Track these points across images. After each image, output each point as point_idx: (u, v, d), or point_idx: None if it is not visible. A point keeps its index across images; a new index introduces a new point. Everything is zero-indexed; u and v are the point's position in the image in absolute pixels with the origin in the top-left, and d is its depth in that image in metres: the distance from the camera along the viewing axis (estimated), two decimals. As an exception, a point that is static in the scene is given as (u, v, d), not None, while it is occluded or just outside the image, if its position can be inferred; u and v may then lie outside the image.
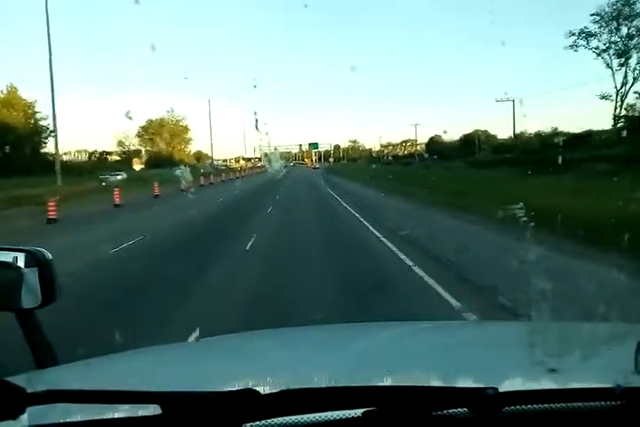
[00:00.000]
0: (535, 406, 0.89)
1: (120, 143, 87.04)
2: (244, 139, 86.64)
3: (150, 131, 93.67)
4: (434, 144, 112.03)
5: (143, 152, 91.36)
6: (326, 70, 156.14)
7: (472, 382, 1.09)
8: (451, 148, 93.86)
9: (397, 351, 1.48)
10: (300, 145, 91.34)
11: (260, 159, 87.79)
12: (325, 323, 3.64)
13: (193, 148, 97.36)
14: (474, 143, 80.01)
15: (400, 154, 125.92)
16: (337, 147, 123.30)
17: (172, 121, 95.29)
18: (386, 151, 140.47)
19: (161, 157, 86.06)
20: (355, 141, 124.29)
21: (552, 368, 1.04)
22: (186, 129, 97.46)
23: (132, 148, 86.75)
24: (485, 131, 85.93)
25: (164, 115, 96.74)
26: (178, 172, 40.38)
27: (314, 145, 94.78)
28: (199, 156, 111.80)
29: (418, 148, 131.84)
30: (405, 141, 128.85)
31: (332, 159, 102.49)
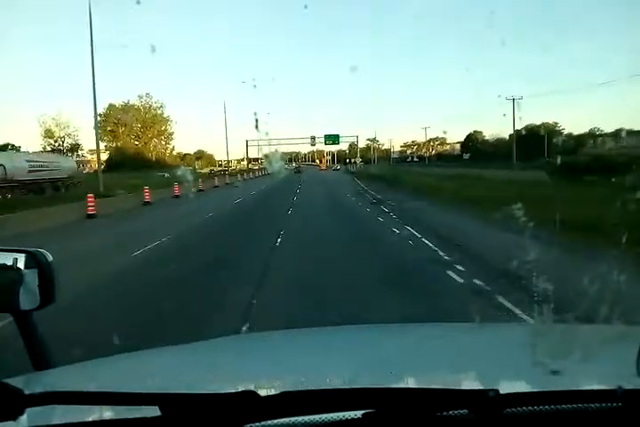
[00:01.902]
0: (536, 407, 0.94)
1: (48, 133, 62.90)
2: (226, 136, 64.64)
3: (111, 120, 69.77)
4: (471, 142, 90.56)
5: (103, 148, 68.05)
6: (337, 64, 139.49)
7: (473, 384, 1.16)
8: (496, 146, 77.97)
9: (398, 353, 1.55)
10: (313, 138, 68.84)
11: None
12: None
13: (187, 147, 75.01)
14: (537, 140, 56.54)
15: (426, 155, 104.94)
16: (353, 145, 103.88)
17: (143, 107, 71.63)
18: (409, 151, 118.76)
19: (127, 156, 62.70)
20: (374, 140, 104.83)
21: (553, 370, 1.10)
22: (163, 119, 73.64)
23: (70, 140, 63.04)
24: (555, 123, 63.60)
25: (134, 100, 72.29)
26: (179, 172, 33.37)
27: (332, 138, 71.41)
28: (201, 155, 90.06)
29: (456, 146, 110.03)
30: (433, 140, 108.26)
31: (359, 159, 78.91)
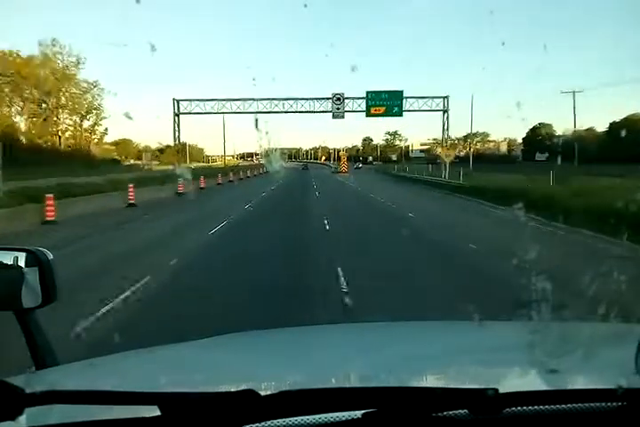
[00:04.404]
0: (536, 407, 1.02)
1: None
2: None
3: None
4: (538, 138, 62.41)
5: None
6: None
7: (472, 383, 1.26)
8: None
9: (397, 352, 1.63)
10: (339, 99, 39.81)
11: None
12: None
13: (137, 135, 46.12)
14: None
15: (462, 154, 75.14)
16: (368, 140, 76.19)
17: (48, 60, 41.79)
18: (439, 150, 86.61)
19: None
20: (395, 134, 78.22)
21: (552, 369, 1.20)
22: (74, 81, 43.99)
23: None
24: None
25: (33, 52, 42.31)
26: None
27: (386, 99, 42.39)
28: (180, 149, 61.89)
29: (502, 145, 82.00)
30: (473, 135, 79.62)
31: (447, 156, 49.29)
